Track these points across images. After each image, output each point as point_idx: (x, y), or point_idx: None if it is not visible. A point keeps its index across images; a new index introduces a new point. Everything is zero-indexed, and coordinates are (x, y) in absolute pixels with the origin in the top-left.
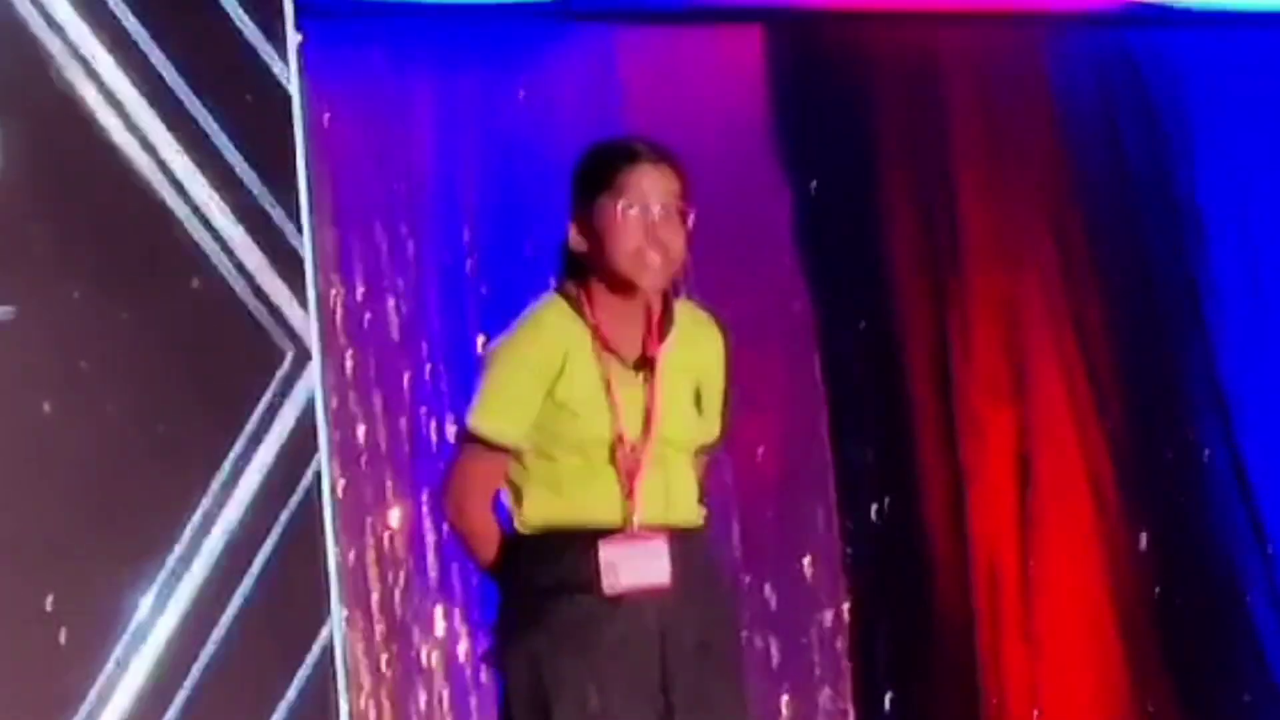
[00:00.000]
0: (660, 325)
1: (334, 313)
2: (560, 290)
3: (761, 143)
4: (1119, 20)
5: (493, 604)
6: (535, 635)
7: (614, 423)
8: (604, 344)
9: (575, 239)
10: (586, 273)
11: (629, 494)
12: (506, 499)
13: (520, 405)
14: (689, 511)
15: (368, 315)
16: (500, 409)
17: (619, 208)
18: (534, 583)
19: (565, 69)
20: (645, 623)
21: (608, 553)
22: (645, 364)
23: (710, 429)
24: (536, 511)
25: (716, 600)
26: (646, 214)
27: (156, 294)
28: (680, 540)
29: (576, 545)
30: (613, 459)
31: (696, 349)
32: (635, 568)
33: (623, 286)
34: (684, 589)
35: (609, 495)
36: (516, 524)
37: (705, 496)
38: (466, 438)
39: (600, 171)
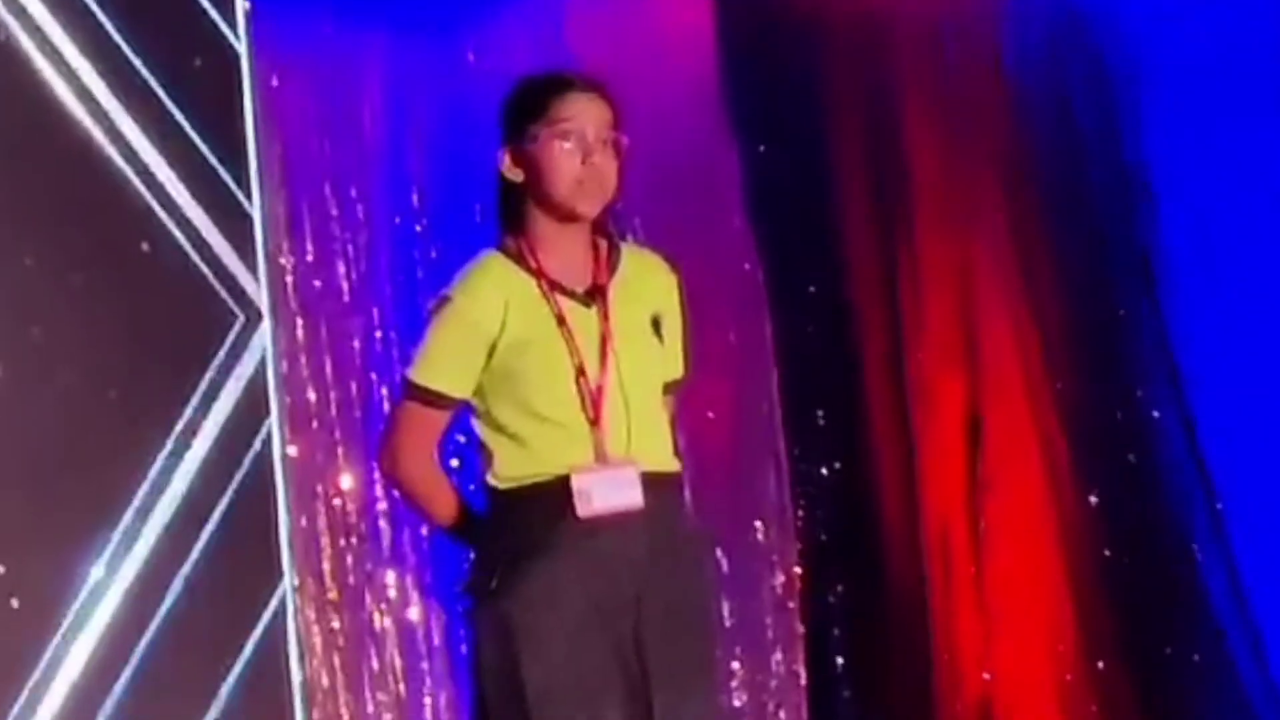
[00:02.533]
0: (609, 260)
1: (284, 276)
2: (498, 246)
3: (712, 106)
4: None
5: (463, 566)
6: (506, 596)
7: (571, 355)
8: (550, 283)
9: (509, 169)
10: (524, 215)
11: (595, 422)
12: (479, 461)
13: (459, 359)
14: (659, 452)
15: (317, 279)
16: (439, 363)
17: (553, 135)
18: (507, 543)
19: (514, 32)
20: (620, 584)
21: (579, 480)
22: (596, 294)
23: (674, 365)
24: (506, 466)
25: (691, 563)
26: (581, 141)
27: (107, 259)
28: (652, 483)
29: (549, 496)
30: (578, 393)
31: (648, 281)
32: (607, 493)
33: (561, 215)
34: (656, 542)
35: (578, 442)
36: (490, 480)
37: (679, 450)
38: (405, 392)
39: (533, 100)
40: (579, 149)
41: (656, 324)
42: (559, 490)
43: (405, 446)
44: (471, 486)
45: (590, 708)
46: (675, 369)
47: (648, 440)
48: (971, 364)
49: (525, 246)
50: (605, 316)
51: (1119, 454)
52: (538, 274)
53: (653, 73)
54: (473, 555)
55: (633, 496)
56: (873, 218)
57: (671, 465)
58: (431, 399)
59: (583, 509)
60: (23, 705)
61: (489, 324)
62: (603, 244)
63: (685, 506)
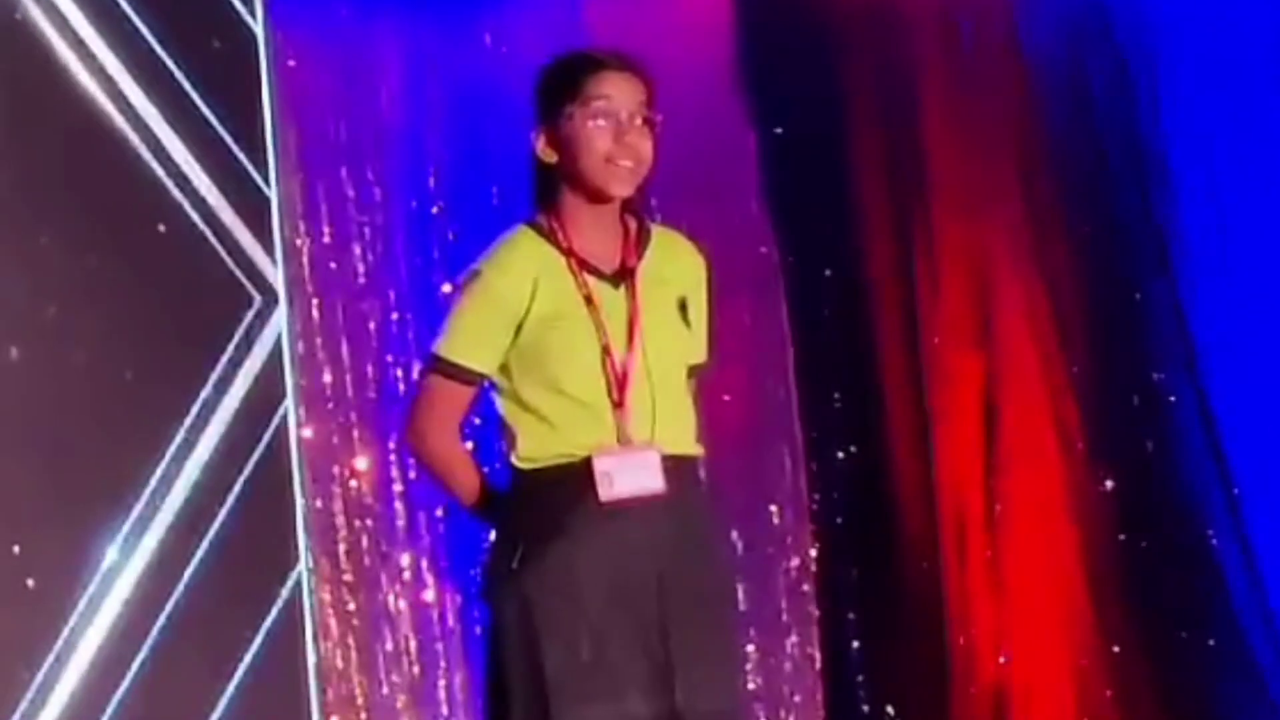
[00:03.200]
0: (638, 242)
1: (300, 258)
2: (530, 223)
3: (729, 89)
4: None
5: (482, 546)
6: (526, 577)
7: (598, 333)
8: (580, 263)
9: (543, 149)
10: (556, 195)
11: (619, 404)
12: (502, 442)
13: (486, 334)
14: (682, 435)
15: (334, 261)
16: (466, 337)
17: (587, 114)
18: (528, 523)
19: (532, 14)
20: (643, 569)
21: (602, 463)
22: (625, 275)
23: (699, 348)
24: (530, 446)
25: (710, 545)
26: (615, 120)
27: (124, 240)
28: (674, 467)
29: (572, 477)
30: (604, 372)
31: (676, 264)
32: (629, 476)
33: (593, 195)
34: (678, 526)
35: (602, 422)
36: (514, 461)
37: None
38: (431, 368)
39: (567, 80)
40: (612, 128)
41: (683, 307)
42: (581, 472)
43: (430, 421)
44: (486, 469)
45: (611, 689)
46: (700, 353)
47: (671, 423)
48: (987, 348)
49: (556, 224)
50: (633, 298)
51: (1135, 438)
52: (568, 252)
53: (670, 56)
54: (493, 534)
55: (654, 480)
56: (889, 201)
57: (693, 449)
58: (457, 374)
59: (604, 492)
60: (39, 684)
61: (517, 300)
62: (633, 224)
63: (705, 489)
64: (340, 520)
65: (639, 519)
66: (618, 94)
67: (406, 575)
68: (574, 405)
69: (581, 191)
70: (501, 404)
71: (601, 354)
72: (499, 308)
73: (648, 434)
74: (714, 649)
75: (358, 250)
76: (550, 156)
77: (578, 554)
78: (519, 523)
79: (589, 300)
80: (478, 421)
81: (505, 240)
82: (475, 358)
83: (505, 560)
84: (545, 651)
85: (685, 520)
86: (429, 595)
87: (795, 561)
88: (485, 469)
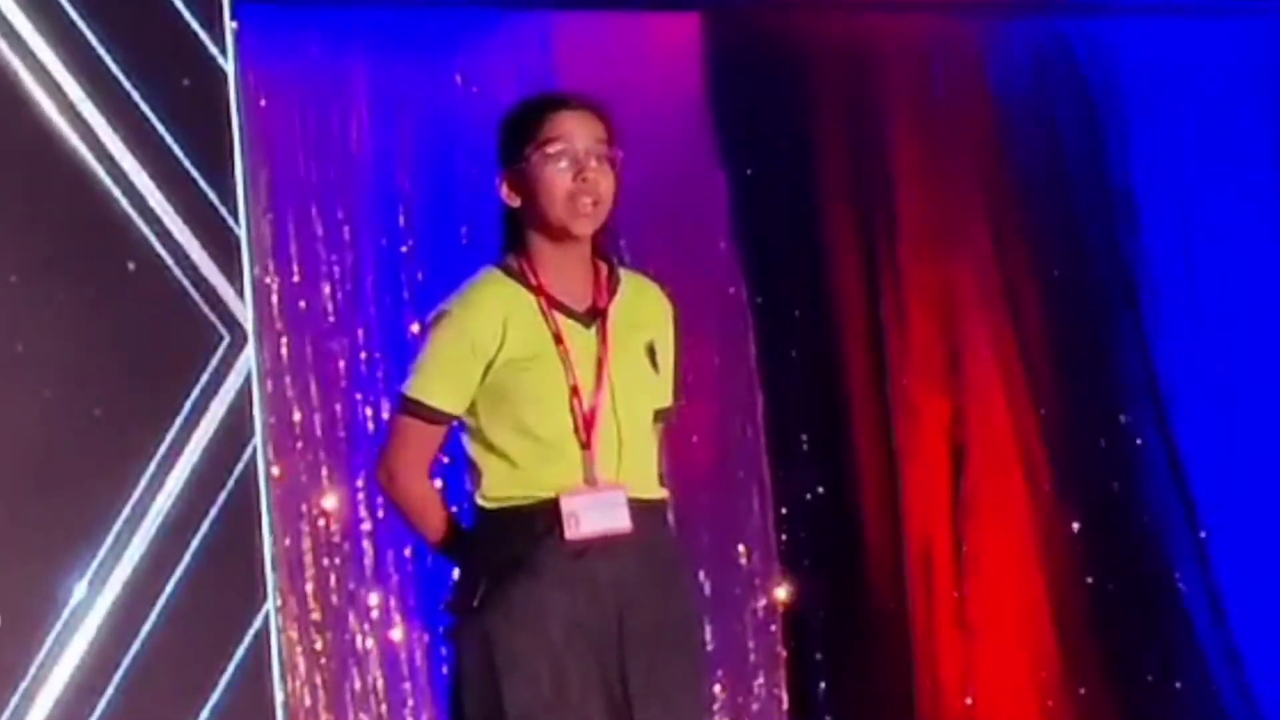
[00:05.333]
0: (609, 284)
1: (269, 296)
2: (499, 264)
3: (698, 129)
4: (1055, 8)
5: (447, 584)
6: (489, 614)
7: (567, 375)
8: (550, 300)
9: (507, 194)
10: (523, 238)
11: (586, 445)
12: (466, 479)
13: (456, 375)
14: (646, 479)
15: (303, 300)
16: (435, 378)
17: (546, 155)
18: (492, 560)
19: (502, 54)
20: (604, 606)
21: (569, 504)
22: (596, 315)
23: (665, 392)
24: (495, 486)
25: (676, 584)
26: (574, 159)
27: (93, 277)
28: (640, 511)
29: (537, 516)
30: (570, 413)
31: (645, 308)
32: (596, 516)
33: (558, 236)
34: (643, 567)
35: (568, 464)
36: (478, 499)
37: (664, 477)
38: (401, 407)
39: (526, 122)
40: (572, 167)
41: (651, 352)
42: (547, 511)
43: (400, 462)
44: (455, 509)
45: None
46: (666, 397)
47: (637, 466)
48: (955, 388)
49: (526, 265)
50: (604, 339)
51: (1102, 480)
52: (537, 290)
53: (640, 96)
54: (457, 572)
55: (621, 520)
56: (858, 241)
57: (659, 492)
58: (427, 414)
59: (571, 531)
60: None
61: (487, 340)
62: (603, 267)
63: (672, 532)
64: (308, 559)
65: (603, 558)
66: (574, 133)
67: (375, 614)
68: (540, 446)
69: (546, 233)
70: (467, 442)
71: (569, 394)
72: (469, 347)
73: (613, 475)
74: (675, 688)
75: (327, 289)
76: (514, 200)
77: (540, 591)
78: (482, 561)
79: (558, 339)
80: (446, 460)
81: (474, 281)
82: (445, 398)
83: (468, 598)
84: (506, 688)
85: (650, 559)
86: (397, 634)
87: (763, 602)
88: (454, 508)
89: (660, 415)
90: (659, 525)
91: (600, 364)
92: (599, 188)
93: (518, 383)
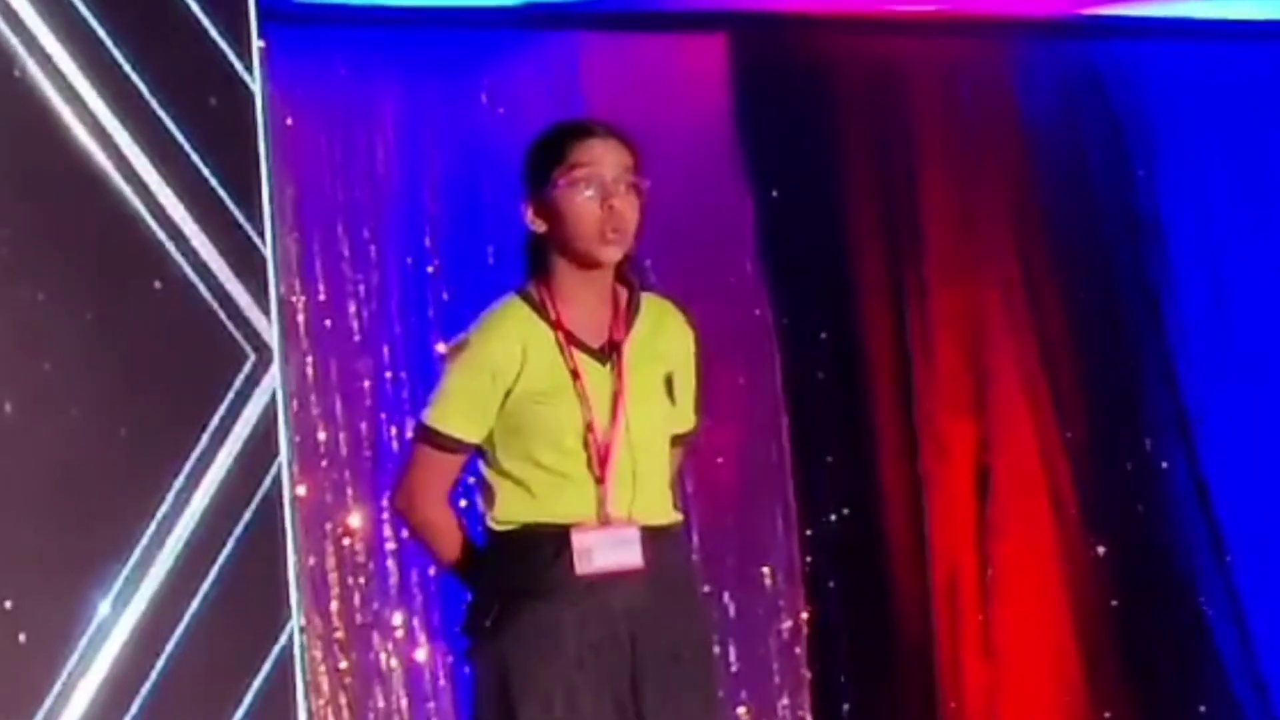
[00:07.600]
0: (628, 313)
1: (295, 316)
2: (520, 292)
3: (725, 150)
4: (1082, 31)
5: (463, 606)
6: (503, 637)
7: (583, 411)
8: (567, 337)
9: (533, 220)
10: (547, 264)
11: (600, 480)
12: (479, 500)
13: (475, 404)
14: (660, 506)
15: (328, 319)
16: (455, 408)
17: (572, 181)
18: (504, 583)
19: (528, 75)
20: (616, 628)
21: (580, 539)
22: (612, 350)
23: (684, 418)
24: (508, 510)
25: (690, 608)
26: (600, 187)
27: (119, 296)
28: (653, 538)
29: (548, 540)
30: (585, 448)
31: (664, 337)
32: (608, 552)
33: (583, 262)
34: (656, 593)
35: (581, 494)
36: (489, 522)
37: (680, 500)
38: (420, 435)
39: (552, 149)
40: (598, 194)
41: (669, 383)
42: (558, 536)
43: (419, 491)
44: (480, 528)
45: None
46: (684, 423)
47: (651, 496)
48: (981, 412)
49: (546, 295)
50: (619, 375)
51: (1128, 504)
52: (556, 325)
53: (666, 118)
54: (471, 595)
55: (633, 556)
56: (884, 264)
57: (673, 517)
58: (446, 444)
59: (582, 567)
60: None
61: (507, 367)
62: (623, 293)
63: (686, 555)
64: (333, 578)
65: (615, 585)
66: (602, 160)
67: (399, 634)
68: (554, 476)
69: (571, 259)
70: (481, 465)
71: (584, 430)
72: (489, 376)
73: (627, 508)
74: (690, 709)
75: (353, 308)
76: (539, 226)
77: (552, 614)
78: (496, 583)
79: (575, 375)
80: (472, 481)
81: (494, 310)
82: (464, 427)
83: (481, 619)
84: (521, 710)
85: (663, 583)
86: (421, 654)
87: (788, 624)
88: (476, 528)
89: (679, 440)
90: (672, 549)
91: (616, 400)
92: (625, 216)
93: (534, 416)
